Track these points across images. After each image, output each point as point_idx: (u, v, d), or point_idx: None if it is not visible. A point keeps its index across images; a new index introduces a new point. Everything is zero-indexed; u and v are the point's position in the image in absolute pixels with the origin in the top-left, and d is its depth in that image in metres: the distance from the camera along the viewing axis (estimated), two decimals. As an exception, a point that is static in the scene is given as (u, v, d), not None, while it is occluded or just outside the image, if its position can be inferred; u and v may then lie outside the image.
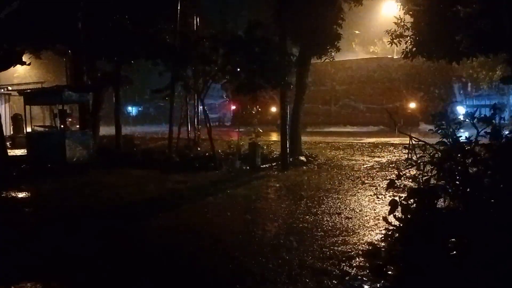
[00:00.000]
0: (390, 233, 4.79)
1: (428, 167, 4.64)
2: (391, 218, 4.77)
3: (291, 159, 11.18)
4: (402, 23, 9.54)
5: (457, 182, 4.39)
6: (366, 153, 13.53)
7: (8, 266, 4.61)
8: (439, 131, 4.55)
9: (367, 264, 4.26)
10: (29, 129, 14.86)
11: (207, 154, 12.15)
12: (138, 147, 15.40)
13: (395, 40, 9.64)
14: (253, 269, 4.23)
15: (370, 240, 5.01)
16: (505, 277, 3.58)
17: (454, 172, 4.40)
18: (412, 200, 4.51)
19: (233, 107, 30.75)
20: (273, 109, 26.32)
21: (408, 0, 9.44)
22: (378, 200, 7.11)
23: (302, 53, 12.41)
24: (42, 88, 17.77)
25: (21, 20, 11.89)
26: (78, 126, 15.10)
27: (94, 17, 13.27)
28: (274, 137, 19.16)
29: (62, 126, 13.05)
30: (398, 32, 9.55)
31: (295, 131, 12.20)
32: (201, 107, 13.93)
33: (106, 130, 17.59)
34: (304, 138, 13.42)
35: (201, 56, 11.42)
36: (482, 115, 4.49)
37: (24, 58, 12.84)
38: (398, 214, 4.59)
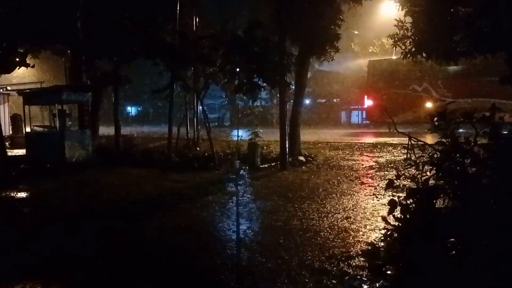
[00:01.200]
0: (389, 233, 4.80)
1: (427, 167, 4.65)
2: (390, 218, 4.77)
3: (290, 159, 11.19)
4: (402, 24, 9.54)
5: (456, 182, 4.40)
6: (365, 153, 13.54)
7: (8, 266, 4.61)
8: (438, 131, 4.56)
9: (366, 264, 4.27)
10: (28, 129, 14.86)
11: (206, 154, 12.16)
12: (137, 147, 15.41)
13: (398, 43, 9.61)
14: (252, 269, 4.24)
15: (369, 240, 5.03)
16: (505, 277, 3.59)
17: (453, 172, 4.40)
18: (411, 200, 4.52)
19: (369, 103, 24.84)
20: (428, 104, 21.87)
21: (407, 1, 9.44)
22: (377, 200, 7.12)
23: (301, 53, 12.43)
24: (41, 88, 17.78)
25: (20, 19, 11.90)
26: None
27: (94, 16, 13.28)
28: (429, 140, 17.53)
29: (61, 126, 13.04)
30: (400, 35, 9.53)
31: (295, 131, 12.22)
32: (200, 107, 13.94)
33: (105, 130, 17.59)
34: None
35: (200, 56, 11.43)
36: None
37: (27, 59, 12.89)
38: (397, 214, 4.60)
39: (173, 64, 11.59)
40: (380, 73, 24.40)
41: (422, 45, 9.37)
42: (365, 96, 25.19)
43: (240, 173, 10.43)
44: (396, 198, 4.70)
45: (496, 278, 3.60)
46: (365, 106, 25.21)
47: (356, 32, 28.66)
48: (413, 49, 9.66)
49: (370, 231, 5.38)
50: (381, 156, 12.72)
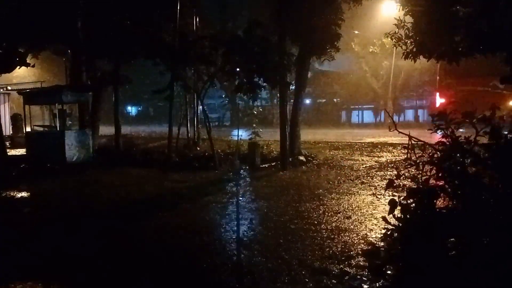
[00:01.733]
0: (389, 232, 4.79)
1: (428, 167, 4.65)
2: (390, 218, 4.77)
3: (290, 159, 11.19)
4: (403, 24, 9.53)
5: (457, 182, 4.40)
6: (365, 153, 13.53)
7: (8, 266, 4.61)
8: (438, 131, 4.56)
9: (367, 264, 4.27)
10: (28, 129, 14.87)
11: (206, 154, 12.16)
12: (137, 146, 15.42)
13: (400, 43, 9.59)
14: (252, 269, 4.24)
15: (370, 240, 5.02)
16: (505, 277, 3.59)
17: (454, 172, 4.40)
18: (411, 200, 4.51)
19: (441, 101, 21.74)
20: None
21: (408, 0, 9.43)
22: (378, 200, 7.11)
23: (301, 53, 12.42)
24: (42, 88, 17.80)
25: (20, 19, 11.90)
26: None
27: (94, 16, 13.29)
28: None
29: (61, 126, 13.05)
30: (398, 34, 9.52)
31: (295, 130, 12.21)
32: (200, 107, 13.95)
33: (105, 130, 17.59)
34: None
35: (200, 56, 11.43)
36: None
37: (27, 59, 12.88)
38: (398, 213, 4.60)
39: (173, 64, 11.59)
40: (454, 69, 22.57)
41: (423, 45, 9.37)
42: (437, 94, 22.88)
43: (240, 173, 10.43)
44: (396, 198, 4.70)
45: (496, 278, 3.60)
46: (437, 104, 22.45)
47: (356, 32, 28.62)
48: (414, 49, 9.65)
49: (370, 231, 5.38)
50: (381, 156, 12.72)
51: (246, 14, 24.53)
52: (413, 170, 4.80)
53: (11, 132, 19.79)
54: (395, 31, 9.59)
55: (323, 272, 4.11)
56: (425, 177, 4.59)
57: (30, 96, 13.95)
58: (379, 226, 5.51)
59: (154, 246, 5.16)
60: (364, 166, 10.95)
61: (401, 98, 34.62)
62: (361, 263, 4.29)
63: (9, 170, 11.12)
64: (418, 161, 4.76)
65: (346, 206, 6.74)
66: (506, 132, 4.51)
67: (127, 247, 5.17)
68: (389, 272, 4.05)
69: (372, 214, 6.20)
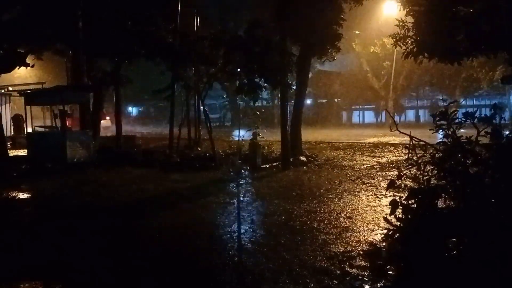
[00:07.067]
0: (390, 233, 4.78)
1: (429, 167, 4.64)
2: (391, 218, 4.77)
3: (291, 159, 11.18)
4: (404, 24, 9.52)
5: (458, 182, 4.39)
6: (366, 153, 13.52)
7: (8, 266, 4.61)
8: (440, 131, 4.56)
9: (368, 264, 4.26)
10: (29, 130, 14.89)
11: (207, 154, 12.16)
12: (138, 147, 15.43)
13: (399, 42, 9.59)
14: (253, 269, 4.23)
15: (371, 240, 5.01)
16: (505, 277, 3.58)
17: (455, 172, 4.40)
18: (412, 200, 4.51)
19: None
20: None
21: (409, 1, 9.42)
22: (379, 200, 7.10)
23: (302, 53, 12.41)
24: (43, 89, 17.82)
25: (21, 19, 11.92)
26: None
27: (94, 16, 13.30)
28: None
29: (62, 126, 13.07)
30: (401, 35, 9.51)
31: (296, 131, 12.21)
32: (201, 107, 13.97)
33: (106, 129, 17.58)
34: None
35: (200, 56, 11.43)
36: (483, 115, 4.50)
37: (27, 59, 12.90)
38: (399, 214, 4.59)
39: (174, 64, 11.60)
40: None
41: (424, 45, 9.36)
42: None
43: (241, 173, 10.42)
44: (397, 198, 4.69)
45: (496, 278, 3.59)
46: None
47: (357, 32, 28.64)
48: (415, 49, 9.64)
49: (372, 231, 5.37)
50: (383, 156, 12.71)
51: (246, 14, 24.54)
52: (414, 170, 4.79)
53: (12, 133, 19.83)
54: (397, 32, 9.58)
55: (324, 272, 4.11)
56: (426, 177, 4.58)
57: (32, 97, 13.97)
58: (380, 227, 5.51)
59: (154, 245, 5.16)
60: (365, 166, 10.94)
61: (402, 98, 34.68)
62: (363, 264, 4.29)
63: (10, 170, 11.13)
64: (419, 161, 4.75)
65: (347, 207, 6.73)
66: (507, 132, 4.51)
67: (127, 247, 5.17)
68: (390, 272, 4.04)
69: (373, 215, 6.20)
